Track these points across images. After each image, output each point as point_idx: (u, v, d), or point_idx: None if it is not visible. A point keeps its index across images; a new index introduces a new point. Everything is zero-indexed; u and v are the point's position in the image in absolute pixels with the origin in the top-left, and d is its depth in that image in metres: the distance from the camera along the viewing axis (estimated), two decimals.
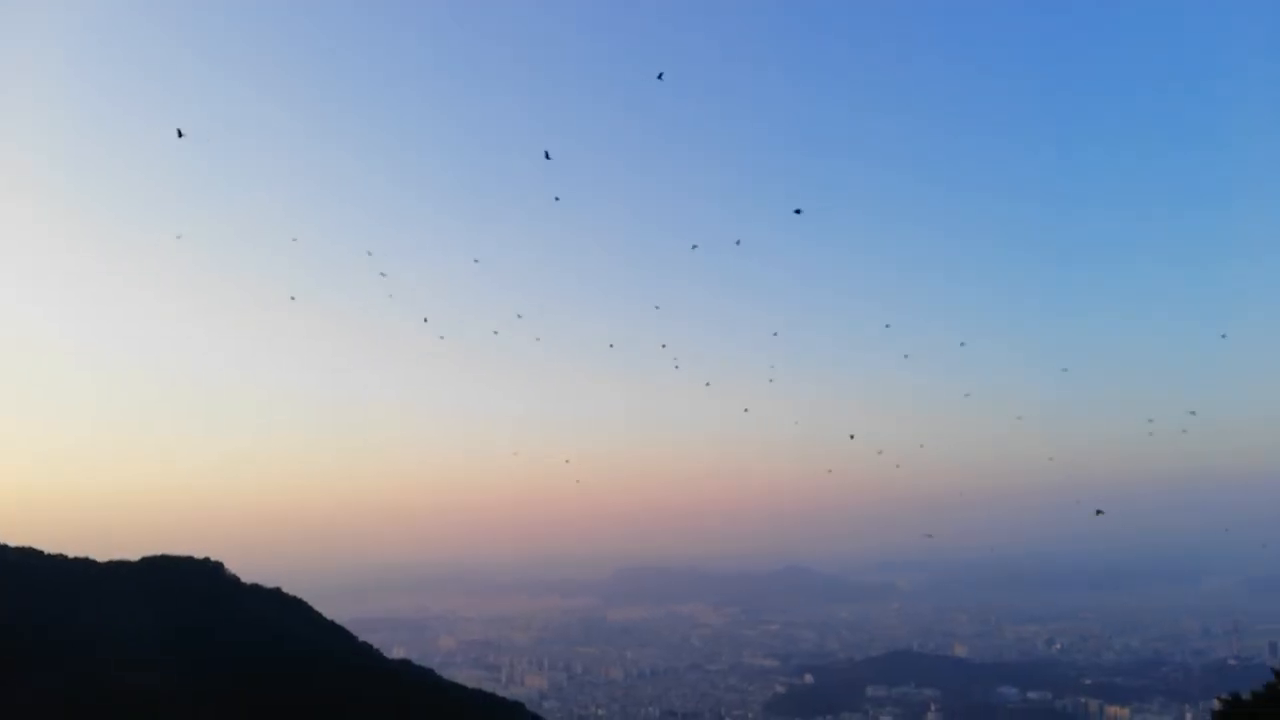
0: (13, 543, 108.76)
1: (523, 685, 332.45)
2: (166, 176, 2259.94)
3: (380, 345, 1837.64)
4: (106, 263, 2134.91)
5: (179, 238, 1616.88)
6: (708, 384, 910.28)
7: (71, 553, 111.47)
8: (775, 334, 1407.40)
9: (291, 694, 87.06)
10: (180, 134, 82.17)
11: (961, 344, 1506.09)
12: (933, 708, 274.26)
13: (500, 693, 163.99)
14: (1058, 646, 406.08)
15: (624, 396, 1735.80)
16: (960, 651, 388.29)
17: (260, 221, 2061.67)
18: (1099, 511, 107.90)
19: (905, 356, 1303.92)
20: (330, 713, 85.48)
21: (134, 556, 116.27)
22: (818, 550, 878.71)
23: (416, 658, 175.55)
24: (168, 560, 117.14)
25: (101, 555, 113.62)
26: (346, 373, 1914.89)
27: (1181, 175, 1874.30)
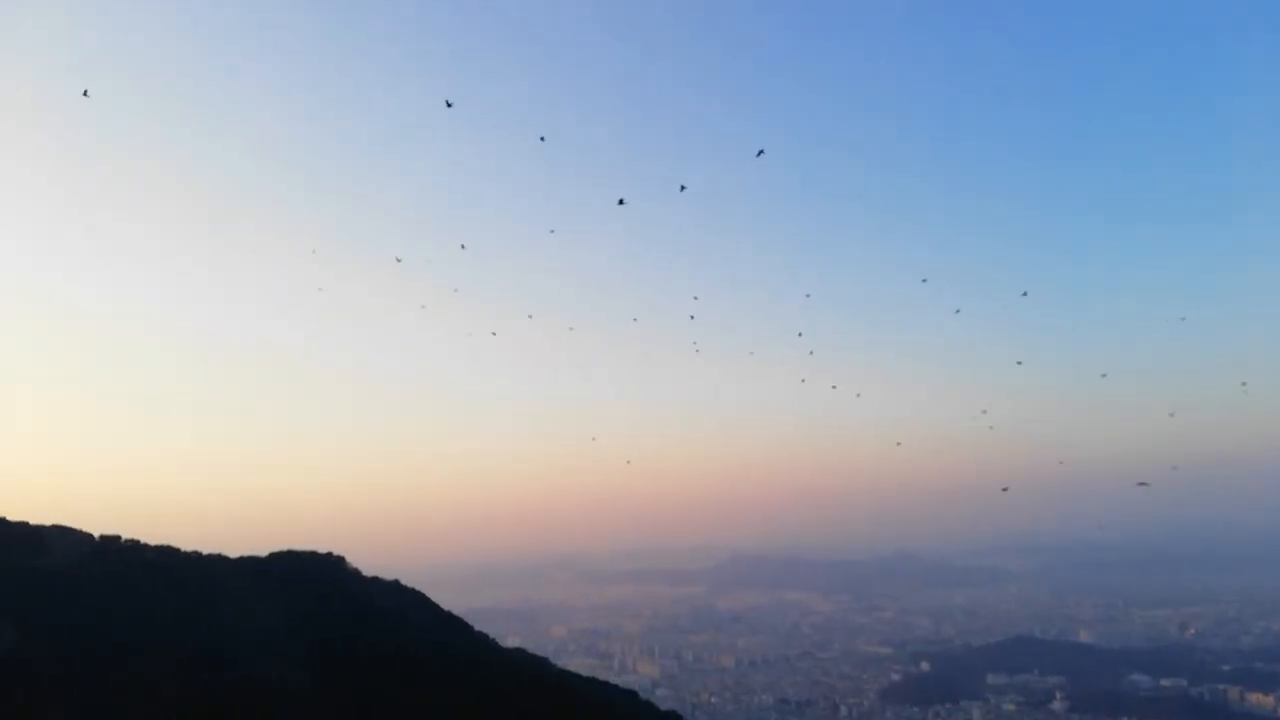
0: (151, 541, 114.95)
1: (634, 673, 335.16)
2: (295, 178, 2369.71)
3: (488, 338, 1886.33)
4: (222, 260, 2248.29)
5: (314, 252, 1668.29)
6: (751, 353, 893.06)
7: (205, 549, 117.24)
8: (808, 295, 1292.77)
9: (415, 682, 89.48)
10: (86, 94, 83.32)
11: (1024, 294, 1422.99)
12: (1058, 696, 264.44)
13: (613, 680, 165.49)
14: (1191, 631, 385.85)
15: (712, 383, 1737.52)
16: (1085, 637, 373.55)
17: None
18: (1142, 484, 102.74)
19: (957, 311, 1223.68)
20: (451, 700, 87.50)
21: (262, 552, 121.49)
22: (923, 535, 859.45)
23: (530, 647, 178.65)
24: (294, 555, 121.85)
25: (232, 551, 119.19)
26: (453, 369, 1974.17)
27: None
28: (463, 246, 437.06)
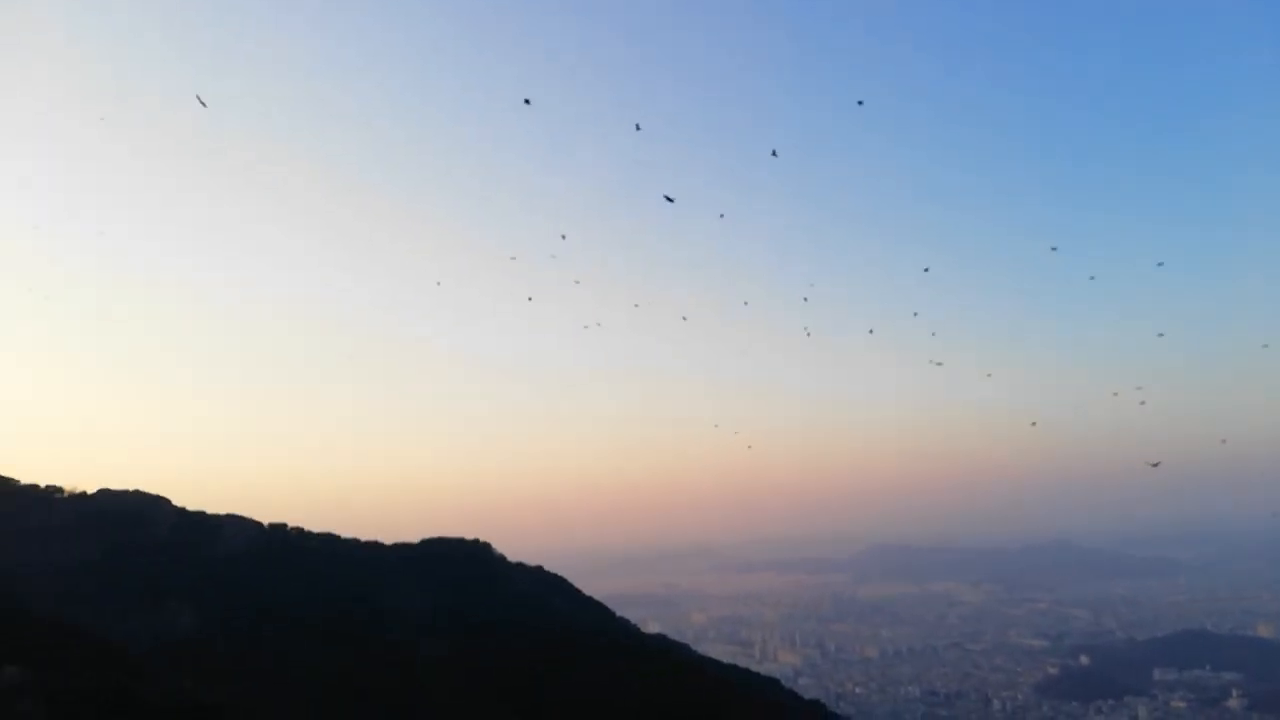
0: (314, 529, 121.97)
1: (776, 661, 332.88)
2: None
3: (606, 328, 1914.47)
4: (367, 260, 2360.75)
5: (513, 259, 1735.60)
6: (870, 331, 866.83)
7: (363, 537, 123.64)
8: (926, 269, 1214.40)
9: (559, 665, 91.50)
10: (203, 103, 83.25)
11: (1159, 264, 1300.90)
12: (1235, 693, 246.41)
13: (754, 668, 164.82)
14: None
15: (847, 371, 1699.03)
16: (1264, 632, 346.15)
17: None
18: None
19: (1091, 278, 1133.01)
20: (595, 684, 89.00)
21: (414, 539, 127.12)
22: (1077, 522, 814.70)
23: (670, 633, 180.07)
24: (443, 542, 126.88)
25: (387, 538, 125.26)
26: (575, 359, 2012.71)
27: None
28: (563, 236, 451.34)
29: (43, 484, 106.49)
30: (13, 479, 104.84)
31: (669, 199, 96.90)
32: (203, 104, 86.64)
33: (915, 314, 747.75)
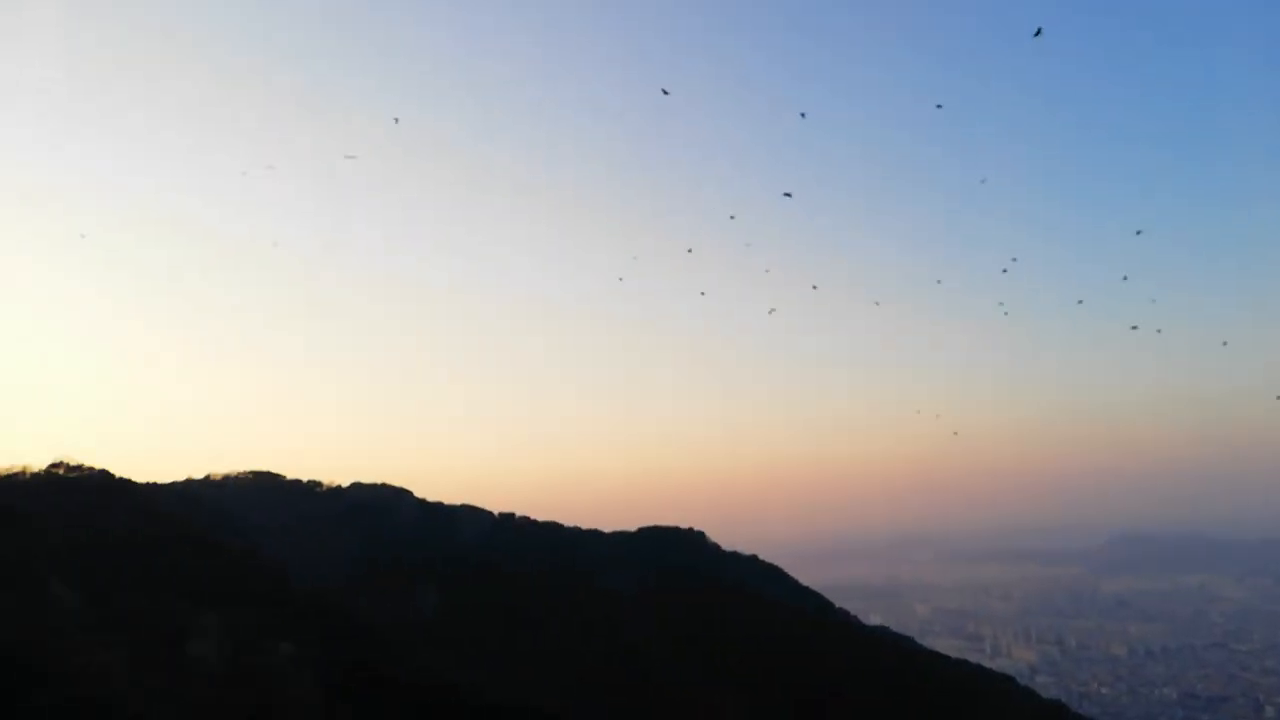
0: (539, 517, 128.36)
1: (1008, 657, 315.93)
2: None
3: (790, 314, 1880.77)
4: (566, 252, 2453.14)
5: (748, 245, 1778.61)
6: (1079, 301, 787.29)
7: (584, 525, 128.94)
8: (1139, 232, 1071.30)
9: (780, 654, 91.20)
10: (396, 120, 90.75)
11: None
12: None
13: (985, 664, 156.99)
14: None
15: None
16: None
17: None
18: None
19: None
20: (819, 673, 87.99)
21: (631, 527, 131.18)
22: None
23: (893, 625, 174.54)
24: (659, 531, 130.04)
25: (606, 526, 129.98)
26: (769, 345, 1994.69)
27: None
28: (731, 217, 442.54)
29: (305, 479, 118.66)
30: (280, 474, 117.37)
31: (788, 195, 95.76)
32: (395, 121, 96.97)
33: (1124, 278, 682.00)
